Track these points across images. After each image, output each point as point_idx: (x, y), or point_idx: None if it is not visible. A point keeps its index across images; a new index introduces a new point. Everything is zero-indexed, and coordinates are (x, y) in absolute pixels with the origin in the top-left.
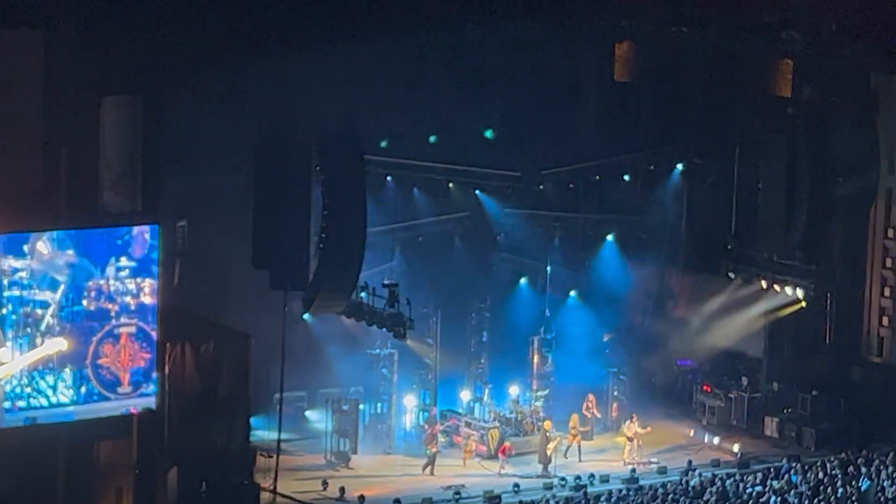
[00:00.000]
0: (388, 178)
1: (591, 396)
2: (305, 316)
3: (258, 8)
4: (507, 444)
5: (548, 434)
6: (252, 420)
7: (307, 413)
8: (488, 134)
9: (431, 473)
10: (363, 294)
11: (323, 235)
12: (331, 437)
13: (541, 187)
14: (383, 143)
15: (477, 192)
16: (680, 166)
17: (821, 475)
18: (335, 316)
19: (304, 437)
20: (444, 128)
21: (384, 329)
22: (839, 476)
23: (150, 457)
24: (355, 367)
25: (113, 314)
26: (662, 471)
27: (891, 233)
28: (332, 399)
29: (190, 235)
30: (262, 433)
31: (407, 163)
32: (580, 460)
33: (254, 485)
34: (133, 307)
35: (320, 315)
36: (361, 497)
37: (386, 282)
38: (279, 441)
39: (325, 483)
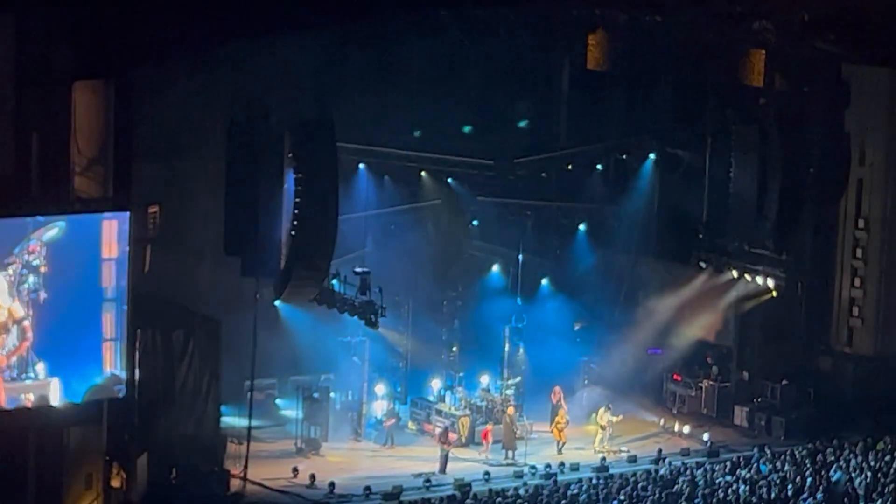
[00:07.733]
0: (361, 165)
1: (556, 388)
2: (277, 303)
3: None
4: (486, 427)
5: (511, 419)
6: (222, 407)
7: (277, 400)
8: (466, 129)
9: (443, 472)
10: (335, 282)
11: (295, 223)
12: (301, 424)
13: (513, 176)
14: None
15: (449, 180)
16: (652, 156)
17: (787, 467)
18: (307, 303)
19: (275, 424)
20: (417, 115)
21: (356, 317)
22: (808, 465)
23: (121, 443)
24: (326, 355)
25: None
26: (633, 459)
27: (861, 223)
28: (302, 386)
29: (161, 221)
30: (233, 420)
31: (380, 150)
32: (559, 453)
33: (224, 471)
34: None
35: (292, 302)
36: (332, 484)
37: (358, 269)
38: (249, 428)
39: (295, 470)
